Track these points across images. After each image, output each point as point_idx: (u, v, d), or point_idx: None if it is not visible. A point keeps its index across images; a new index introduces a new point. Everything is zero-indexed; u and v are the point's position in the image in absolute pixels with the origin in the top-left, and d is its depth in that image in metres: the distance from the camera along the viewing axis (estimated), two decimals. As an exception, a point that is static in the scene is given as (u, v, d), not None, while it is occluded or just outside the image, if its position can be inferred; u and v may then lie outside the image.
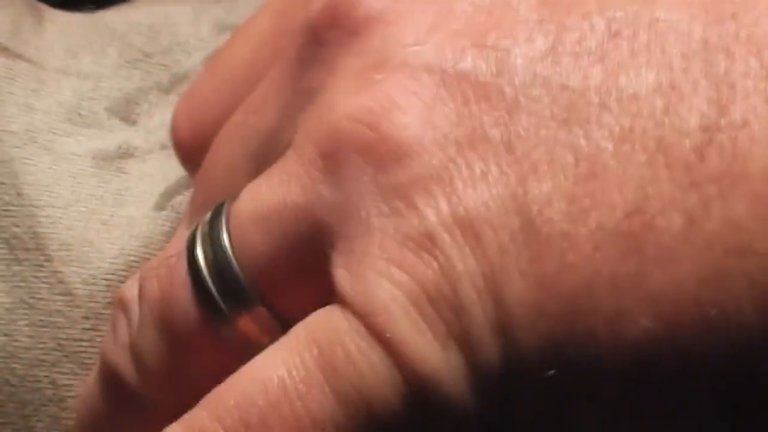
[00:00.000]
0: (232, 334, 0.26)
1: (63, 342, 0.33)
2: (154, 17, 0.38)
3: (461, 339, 0.24)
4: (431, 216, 0.24)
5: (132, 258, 0.33)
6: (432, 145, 0.24)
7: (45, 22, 0.37)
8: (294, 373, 0.25)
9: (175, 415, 0.27)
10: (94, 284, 0.33)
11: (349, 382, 0.24)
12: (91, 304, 0.33)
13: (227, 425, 0.25)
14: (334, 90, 0.26)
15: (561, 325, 0.23)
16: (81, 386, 0.33)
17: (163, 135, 0.35)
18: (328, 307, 0.25)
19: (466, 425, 0.24)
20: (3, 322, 0.33)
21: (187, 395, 0.27)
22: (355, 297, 0.24)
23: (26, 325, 0.33)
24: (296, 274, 0.26)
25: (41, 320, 0.33)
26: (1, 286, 0.33)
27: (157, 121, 0.36)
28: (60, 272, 0.33)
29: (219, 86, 0.30)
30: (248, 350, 0.26)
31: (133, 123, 0.36)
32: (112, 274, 0.33)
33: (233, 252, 0.26)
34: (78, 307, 0.33)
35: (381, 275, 0.24)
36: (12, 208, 0.34)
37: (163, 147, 0.35)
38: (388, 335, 0.24)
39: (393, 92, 0.25)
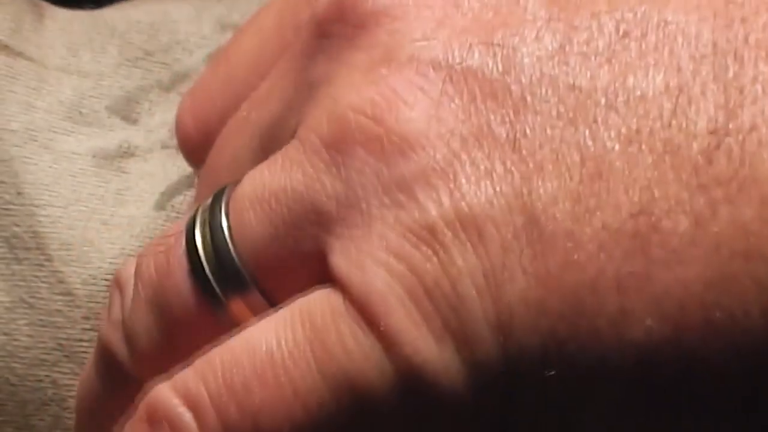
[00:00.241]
0: (226, 316, 0.27)
1: (63, 342, 0.33)
2: (154, 15, 0.38)
3: (458, 334, 0.24)
4: (433, 210, 0.24)
5: (132, 258, 0.33)
6: (437, 140, 0.24)
7: (45, 19, 0.37)
8: (283, 344, 0.25)
9: None
10: (94, 284, 0.33)
11: (337, 364, 0.24)
12: (91, 305, 0.33)
13: (210, 386, 0.26)
14: (340, 83, 0.26)
15: (563, 324, 0.23)
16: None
17: (164, 134, 0.35)
18: (326, 289, 0.25)
19: (460, 421, 0.24)
20: (3, 321, 0.33)
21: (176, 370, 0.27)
22: (353, 284, 0.25)
23: (26, 325, 0.33)
24: (293, 259, 0.26)
25: (41, 320, 0.33)
26: (1, 285, 0.33)
27: (158, 119, 0.36)
28: (60, 272, 0.33)
29: (223, 82, 0.30)
30: (234, 326, 0.26)
31: (134, 122, 0.36)
32: (113, 274, 0.33)
33: (231, 235, 0.26)
34: (78, 307, 0.33)
35: (379, 264, 0.24)
36: (12, 207, 0.34)
37: (164, 146, 0.35)
38: (382, 324, 0.24)
39: (399, 87, 0.25)
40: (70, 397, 0.33)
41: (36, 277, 0.33)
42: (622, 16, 0.24)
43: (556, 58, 0.24)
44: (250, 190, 0.26)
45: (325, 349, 0.25)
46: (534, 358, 0.23)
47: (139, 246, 0.33)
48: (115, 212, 0.34)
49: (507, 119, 0.24)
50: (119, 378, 0.29)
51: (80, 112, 0.36)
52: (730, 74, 0.23)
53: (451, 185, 0.24)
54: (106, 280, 0.33)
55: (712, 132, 0.23)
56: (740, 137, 0.23)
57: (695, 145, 0.23)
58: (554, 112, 0.24)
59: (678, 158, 0.23)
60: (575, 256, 0.23)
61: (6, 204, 0.34)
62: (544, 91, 0.24)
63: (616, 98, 0.24)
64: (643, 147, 0.23)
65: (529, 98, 0.24)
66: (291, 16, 0.29)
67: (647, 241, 0.23)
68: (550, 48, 0.24)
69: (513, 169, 0.24)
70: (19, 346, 0.33)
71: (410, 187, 0.24)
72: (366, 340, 0.24)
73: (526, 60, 0.24)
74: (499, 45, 0.25)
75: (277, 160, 0.26)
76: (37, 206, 0.34)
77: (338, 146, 0.25)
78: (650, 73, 0.24)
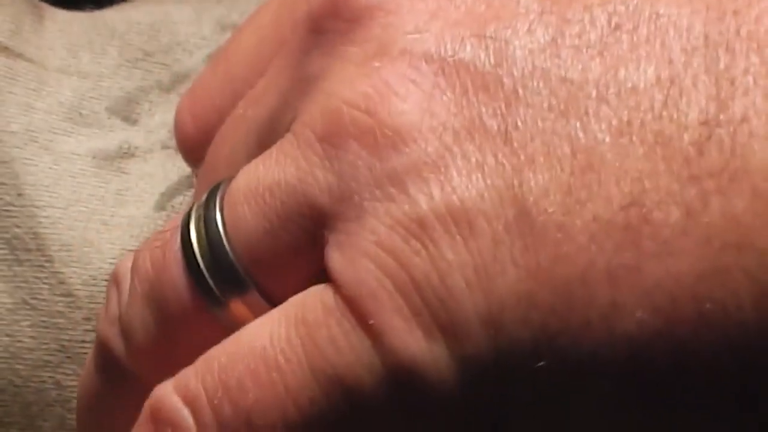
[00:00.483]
0: (223, 312, 0.27)
1: (65, 343, 0.33)
2: (154, 16, 0.38)
3: (447, 328, 0.24)
4: (423, 203, 0.24)
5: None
6: (429, 133, 0.24)
7: (45, 21, 0.37)
8: (277, 344, 0.25)
9: None
10: (94, 285, 0.33)
11: (328, 360, 0.24)
12: (92, 305, 0.33)
13: (208, 384, 0.26)
14: (334, 77, 0.26)
15: (554, 317, 0.23)
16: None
17: (164, 134, 0.35)
18: (321, 286, 0.25)
19: (451, 415, 0.24)
20: (5, 322, 0.33)
21: (175, 371, 0.27)
22: (344, 279, 0.25)
23: (29, 326, 0.33)
24: (288, 254, 0.26)
25: (43, 321, 0.33)
26: (3, 286, 0.33)
27: (158, 120, 0.36)
28: (61, 273, 0.33)
29: (222, 81, 0.30)
30: (237, 327, 0.26)
31: (134, 122, 0.36)
32: (113, 274, 0.33)
33: (226, 230, 0.26)
34: (79, 308, 0.33)
35: (370, 259, 0.24)
36: (13, 208, 0.34)
37: (164, 146, 0.35)
38: (371, 320, 0.24)
39: (391, 80, 0.25)
40: (74, 398, 0.33)
41: (37, 278, 0.33)
42: (615, 8, 0.24)
43: (548, 51, 0.24)
44: (244, 185, 0.26)
45: (316, 346, 0.25)
46: (525, 351, 0.23)
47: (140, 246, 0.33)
48: (115, 213, 0.34)
49: (498, 112, 0.24)
50: (117, 373, 0.29)
51: (80, 113, 0.36)
52: (722, 66, 0.23)
53: (442, 178, 0.24)
54: (106, 280, 0.33)
55: (703, 123, 0.23)
56: (731, 128, 0.23)
57: (686, 137, 0.23)
58: (546, 105, 0.24)
59: (669, 150, 0.23)
60: (566, 249, 0.23)
61: (6, 205, 0.34)
62: (535, 83, 0.24)
63: (608, 90, 0.24)
64: (634, 139, 0.23)
65: (520, 91, 0.24)
66: (288, 12, 0.29)
67: (638, 232, 0.23)
68: (542, 41, 0.24)
69: (504, 161, 0.24)
70: (22, 348, 0.33)
71: (402, 181, 0.24)
72: (355, 336, 0.24)
73: (518, 53, 0.24)
74: (491, 38, 0.25)
75: (272, 154, 0.26)
76: (37, 207, 0.34)
77: (332, 140, 0.25)
78: (641, 66, 0.24)
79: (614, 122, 0.23)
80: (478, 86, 0.24)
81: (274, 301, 0.26)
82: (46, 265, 0.33)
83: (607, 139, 0.23)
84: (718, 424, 0.23)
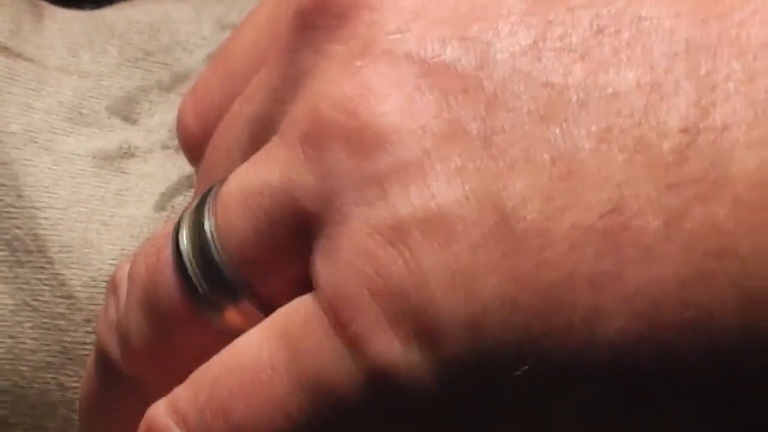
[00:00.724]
0: (214, 316, 0.27)
1: (67, 345, 0.33)
2: (154, 15, 0.37)
3: (426, 335, 0.23)
4: (402, 208, 0.24)
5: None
6: (409, 136, 0.24)
7: (45, 20, 0.37)
8: (265, 357, 0.25)
9: (162, 395, 0.27)
10: (94, 287, 0.33)
11: (313, 373, 0.24)
12: (92, 307, 0.33)
13: (200, 403, 0.26)
14: (319, 76, 0.25)
15: (538, 321, 0.23)
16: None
17: (164, 134, 0.35)
18: (306, 296, 0.25)
19: (434, 419, 0.24)
20: (8, 324, 0.33)
21: (171, 375, 0.27)
22: (325, 287, 0.24)
23: (31, 328, 0.33)
24: (280, 258, 0.26)
25: (45, 323, 0.33)
26: (5, 288, 0.33)
27: (158, 120, 0.36)
28: (61, 275, 0.33)
29: (222, 79, 0.30)
30: (230, 332, 0.26)
31: (134, 122, 0.36)
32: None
33: (217, 235, 0.26)
34: (79, 310, 0.33)
35: (348, 266, 0.24)
36: (13, 210, 0.34)
37: (164, 146, 0.35)
38: (351, 328, 0.24)
39: (373, 80, 0.25)
40: (77, 399, 0.33)
41: (38, 280, 0.33)
42: (597, 11, 0.24)
43: (530, 54, 0.24)
44: (234, 189, 0.26)
45: (301, 356, 0.25)
46: (507, 354, 0.23)
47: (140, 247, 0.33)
48: (115, 213, 0.34)
49: (479, 116, 0.24)
50: (116, 378, 0.29)
51: (80, 113, 0.36)
52: (703, 72, 0.23)
53: (422, 183, 0.24)
54: (106, 282, 0.33)
55: (684, 130, 0.23)
56: (712, 136, 0.22)
57: (666, 144, 0.23)
58: (526, 109, 0.23)
59: (649, 157, 0.23)
60: (547, 255, 0.23)
61: (7, 207, 0.34)
62: (516, 87, 0.24)
63: (588, 95, 0.23)
64: (614, 145, 0.23)
65: (501, 95, 0.24)
66: (284, 8, 0.29)
67: (618, 239, 0.23)
68: (524, 43, 0.24)
69: (484, 166, 0.23)
70: (25, 350, 0.33)
71: (382, 184, 0.24)
72: (337, 344, 0.24)
73: (499, 56, 0.24)
74: (473, 40, 0.24)
75: (261, 156, 0.26)
76: (37, 208, 0.34)
77: (314, 141, 0.25)
78: (623, 70, 0.23)
79: (594, 128, 0.23)
80: (458, 89, 0.24)
81: (268, 305, 0.26)
82: (47, 266, 0.33)
83: (587, 146, 0.23)
84: (702, 426, 0.23)
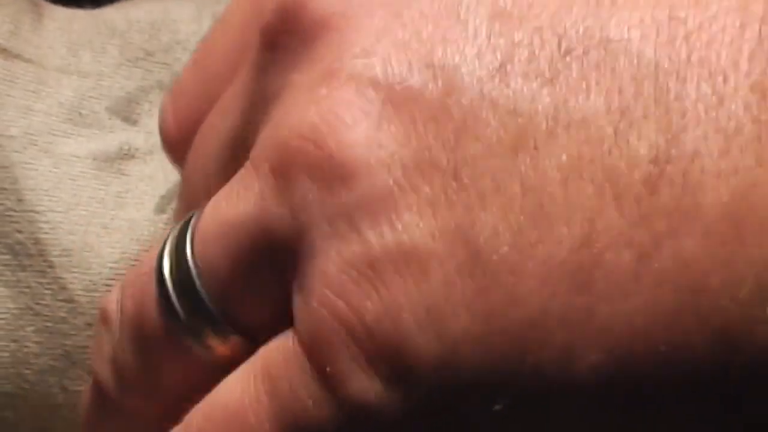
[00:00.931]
0: (200, 348, 0.26)
1: (69, 349, 0.33)
2: (155, 15, 0.37)
3: (401, 372, 0.23)
4: (374, 243, 0.23)
5: (133, 262, 0.33)
6: (378, 166, 0.23)
7: (44, 19, 0.37)
8: (247, 402, 0.25)
9: (158, 427, 0.27)
10: (95, 290, 0.33)
11: (293, 416, 0.24)
12: (93, 311, 0.33)
13: None
14: (286, 103, 0.25)
15: (507, 361, 0.22)
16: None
17: (165, 135, 0.35)
18: (284, 335, 0.25)
19: None
20: (11, 328, 0.33)
21: (166, 407, 0.27)
22: (301, 325, 0.24)
23: (33, 332, 0.33)
24: (259, 290, 0.25)
25: (47, 326, 0.33)
26: (8, 292, 0.33)
27: (158, 121, 0.35)
28: (62, 278, 0.33)
29: (199, 83, 0.30)
30: (219, 365, 0.26)
31: (134, 123, 0.35)
32: (113, 279, 0.33)
33: (197, 267, 0.26)
34: (81, 314, 0.33)
35: (323, 304, 0.23)
36: (13, 213, 0.34)
37: (164, 148, 0.35)
38: (327, 369, 0.24)
39: (339, 108, 0.24)
40: (80, 403, 0.33)
41: (39, 284, 0.33)
42: (565, 31, 0.23)
43: (498, 79, 0.23)
44: (211, 221, 0.26)
45: (280, 399, 0.24)
46: (480, 393, 0.23)
47: (140, 250, 0.33)
48: (115, 215, 0.34)
49: (448, 145, 0.23)
50: (113, 410, 0.29)
51: (80, 114, 0.35)
52: (672, 96, 0.22)
53: (393, 216, 0.23)
54: (106, 285, 0.33)
55: (654, 160, 0.22)
56: (682, 165, 0.22)
57: (636, 174, 0.22)
58: (495, 138, 0.23)
59: (619, 188, 0.22)
60: (518, 292, 0.22)
61: (7, 211, 0.34)
62: (485, 114, 0.23)
63: (557, 123, 0.23)
64: (584, 175, 0.22)
65: (470, 122, 0.23)
66: (256, 11, 0.28)
67: (590, 275, 0.22)
68: (491, 67, 0.23)
69: (454, 198, 0.23)
70: (29, 354, 0.33)
71: (352, 218, 0.23)
72: (314, 385, 0.24)
73: (466, 80, 0.23)
74: (440, 64, 0.24)
75: (235, 186, 0.26)
76: (37, 212, 0.34)
77: (283, 173, 0.24)
78: (592, 95, 0.23)
79: (564, 157, 0.22)
80: (426, 117, 0.23)
81: (254, 336, 0.26)
82: (48, 270, 0.33)
83: (557, 176, 0.22)
84: None
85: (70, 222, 0.33)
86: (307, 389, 0.24)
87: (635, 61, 0.23)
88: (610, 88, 0.23)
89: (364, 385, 0.23)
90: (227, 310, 0.26)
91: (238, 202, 0.25)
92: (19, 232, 0.33)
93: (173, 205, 0.34)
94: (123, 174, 0.34)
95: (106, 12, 0.38)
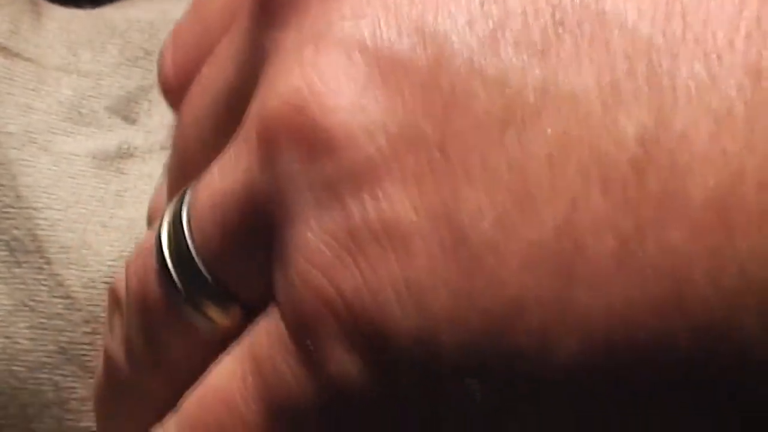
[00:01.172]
0: (203, 323, 0.26)
1: (64, 345, 0.33)
2: (154, 14, 0.37)
3: (382, 350, 0.22)
4: (355, 214, 0.23)
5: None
6: (362, 135, 0.23)
7: (44, 19, 0.37)
8: (234, 384, 0.24)
9: (168, 402, 0.27)
10: (93, 287, 0.33)
11: (277, 395, 0.24)
12: (91, 308, 0.33)
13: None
14: (274, 64, 0.24)
15: (486, 341, 0.22)
16: (84, 387, 0.33)
17: (163, 134, 0.35)
18: (269, 311, 0.24)
19: (388, 430, 0.23)
20: (3, 324, 0.33)
21: (175, 387, 0.27)
22: (283, 302, 0.24)
23: (27, 328, 0.33)
24: (251, 262, 0.25)
25: (42, 323, 0.33)
26: (3, 288, 0.33)
27: (157, 120, 0.36)
28: (59, 275, 0.33)
29: (197, 27, 0.29)
30: (222, 340, 0.26)
31: (133, 122, 0.36)
32: (111, 277, 0.33)
33: (192, 239, 0.25)
34: (78, 310, 0.33)
35: (301, 278, 0.23)
36: (11, 210, 0.34)
37: (163, 147, 0.35)
38: (308, 346, 0.23)
39: (324, 71, 0.23)
40: (72, 399, 0.33)
41: (36, 280, 0.33)
42: (560, 1, 0.22)
43: (488, 48, 0.22)
44: (205, 192, 0.25)
45: (265, 378, 0.24)
46: (459, 372, 0.22)
47: (139, 248, 0.33)
48: (114, 214, 0.34)
49: (436, 116, 0.22)
50: (126, 390, 0.29)
51: (80, 112, 0.35)
52: (664, 75, 0.21)
53: (375, 186, 0.22)
54: (105, 283, 0.33)
55: (641, 141, 0.21)
56: (670, 146, 0.21)
57: (623, 156, 0.21)
58: (483, 111, 0.22)
59: (605, 170, 0.21)
60: (498, 272, 0.22)
61: (5, 207, 0.34)
62: (474, 85, 0.22)
63: (545, 97, 0.22)
64: (570, 155, 0.22)
65: (458, 93, 0.22)
66: None
67: (571, 260, 0.21)
68: (481, 35, 0.22)
69: (440, 172, 0.22)
70: (20, 350, 0.33)
71: (335, 188, 0.23)
72: (296, 362, 0.23)
73: (456, 48, 0.22)
74: (430, 30, 0.23)
75: (226, 155, 0.25)
76: (35, 209, 0.34)
77: (268, 140, 0.24)
78: (582, 70, 0.22)
79: (550, 133, 0.22)
80: (414, 85, 0.23)
81: (253, 310, 0.25)
82: (45, 267, 0.33)
83: (543, 154, 0.22)
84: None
85: (68, 220, 0.34)
86: (290, 367, 0.23)
87: (629, 36, 0.22)
88: (602, 63, 0.22)
89: (344, 361, 0.23)
90: (224, 281, 0.25)
91: (228, 171, 0.25)
92: (17, 228, 0.34)
93: (172, 203, 0.34)
94: (122, 173, 0.35)
95: (106, 12, 0.38)
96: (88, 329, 0.33)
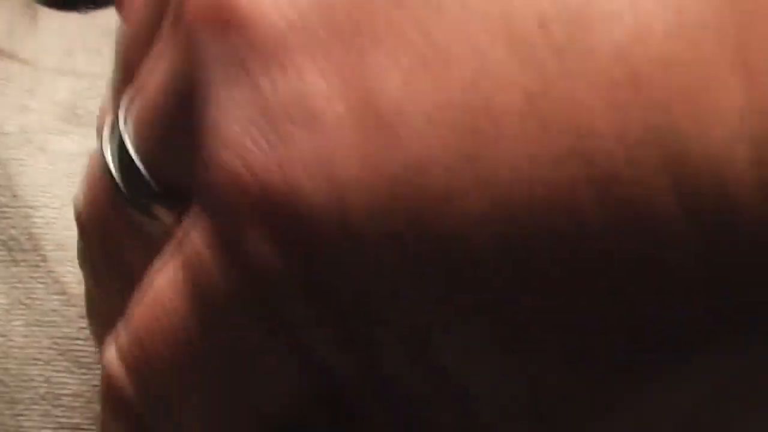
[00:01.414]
0: (152, 225, 0.26)
1: (58, 340, 0.33)
2: (148, 17, 0.38)
3: (296, 229, 0.22)
4: (267, 90, 0.22)
5: None
6: (272, 9, 0.22)
7: (39, 21, 0.37)
8: (167, 283, 0.24)
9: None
10: (89, 285, 0.33)
11: (204, 290, 0.23)
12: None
13: (131, 342, 0.25)
14: None
15: (395, 207, 0.21)
16: (76, 383, 0.33)
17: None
18: (194, 204, 0.24)
19: (308, 318, 0.23)
20: (0, 322, 0.33)
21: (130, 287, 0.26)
22: (201, 188, 0.23)
23: (22, 325, 0.33)
24: (183, 156, 0.24)
25: (37, 320, 0.33)
26: (0, 287, 0.34)
27: (151, 121, 0.36)
28: (55, 272, 0.33)
29: None
30: (163, 238, 0.25)
31: (128, 123, 0.36)
32: (107, 274, 0.33)
33: (133, 143, 0.25)
34: (73, 306, 0.33)
35: (215, 161, 0.22)
36: (8, 209, 0.34)
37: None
38: (224, 231, 0.23)
39: None
40: (63, 395, 0.33)
41: (32, 278, 0.34)
42: None
43: None
44: (138, 96, 0.25)
45: (191, 272, 0.23)
46: (371, 241, 0.22)
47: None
48: (109, 213, 0.34)
49: None
50: (100, 310, 0.29)
51: (75, 113, 0.36)
52: None
53: (287, 62, 0.22)
54: (100, 280, 0.33)
55: None
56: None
57: (529, 10, 0.21)
58: None
59: (511, 25, 0.21)
60: (403, 135, 0.21)
61: (2, 207, 0.34)
62: None
63: None
64: (476, 12, 0.21)
65: None
66: None
67: (476, 118, 0.21)
68: None
69: (349, 41, 0.22)
70: (13, 347, 0.33)
71: (243, 62, 0.22)
72: (217, 252, 0.23)
73: None
74: None
75: (153, 53, 0.25)
76: (32, 208, 0.34)
77: (186, 25, 0.23)
78: None
79: None
80: None
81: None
82: (41, 264, 0.34)
83: (448, 12, 0.21)
84: (578, 317, 0.22)
85: (65, 218, 0.34)
86: (213, 258, 0.23)
87: None
88: None
89: (261, 246, 0.22)
90: (167, 179, 0.25)
91: (157, 68, 0.24)
92: (14, 227, 0.34)
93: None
94: (116, 172, 0.35)
95: (100, 15, 0.38)
96: (82, 324, 0.33)
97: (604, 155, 0.21)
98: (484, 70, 0.21)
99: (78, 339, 0.33)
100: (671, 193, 0.21)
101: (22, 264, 0.34)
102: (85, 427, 0.33)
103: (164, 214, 0.25)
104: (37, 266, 0.34)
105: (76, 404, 0.33)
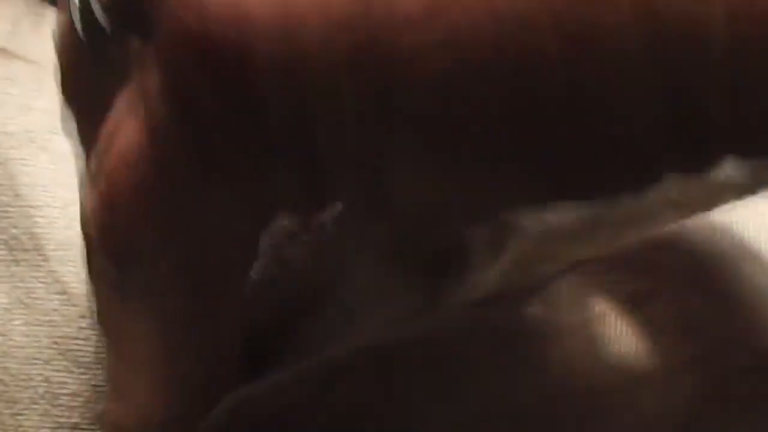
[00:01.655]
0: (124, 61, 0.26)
1: (58, 340, 0.33)
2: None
3: (245, 60, 0.22)
4: None
5: None
6: None
7: (44, 21, 0.37)
8: (125, 108, 0.24)
9: None
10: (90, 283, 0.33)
11: (152, 124, 0.24)
12: (87, 303, 0.33)
13: (109, 183, 0.25)
14: None
15: (346, 29, 0.21)
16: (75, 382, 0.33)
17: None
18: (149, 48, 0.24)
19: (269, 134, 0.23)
20: (0, 322, 0.33)
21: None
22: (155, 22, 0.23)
23: (22, 325, 0.33)
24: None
25: (37, 319, 0.33)
26: (1, 287, 0.33)
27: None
28: (56, 271, 0.33)
29: None
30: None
31: (130, 124, 0.36)
32: (108, 274, 0.33)
33: None
34: (74, 305, 0.33)
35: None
36: (10, 209, 0.34)
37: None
38: (173, 69, 0.23)
39: None
40: (62, 394, 0.33)
41: (33, 277, 0.34)
42: None
43: None
44: None
45: (146, 110, 0.24)
46: (324, 68, 0.22)
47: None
48: (110, 213, 0.34)
49: None
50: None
51: (78, 114, 0.36)
52: None
53: None
54: (101, 280, 0.33)
55: None
56: None
57: None
58: None
59: None
60: None
61: (4, 206, 0.34)
62: None
63: None
64: None
65: None
66: None
67: None
68: None
69: None
70: (13, 346, 0.33)
71: None
72: (164, 90, 0.23)
73: None
74: None
75: None
76: (34, 207, 0.34)
77: None
78: None
79: None
80: None
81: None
82: (42, 264, 0.34)
83: None
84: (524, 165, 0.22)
85: (67, 218, 0.34)
86: (161, 96, 0.23)
87: None
88: None
89: (203, 81, 0.22)
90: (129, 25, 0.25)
91: None
92: (15, 227, 0.34)
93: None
94: (118, 172, 0.35)
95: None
96: (83, 324, 0.33)
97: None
98: None
99: (78, 339, 0.33)
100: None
101: (23, 263, 0.34)
102: (84, 426, 0.33)
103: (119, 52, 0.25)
104: (39, 266, 0.34)
105: (75, 404, 0.33)
